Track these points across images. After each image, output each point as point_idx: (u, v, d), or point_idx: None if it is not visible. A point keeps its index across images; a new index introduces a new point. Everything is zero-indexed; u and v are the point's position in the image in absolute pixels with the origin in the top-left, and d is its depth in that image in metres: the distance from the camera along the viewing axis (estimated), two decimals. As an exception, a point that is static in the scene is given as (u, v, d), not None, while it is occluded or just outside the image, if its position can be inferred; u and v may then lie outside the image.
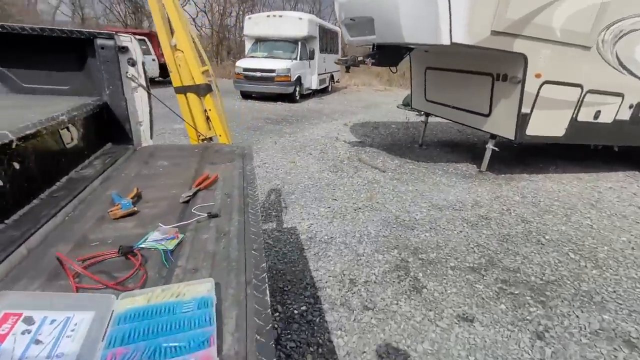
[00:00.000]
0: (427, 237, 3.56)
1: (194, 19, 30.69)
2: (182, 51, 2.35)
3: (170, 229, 1.17)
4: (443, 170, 5.80)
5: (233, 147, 2.26)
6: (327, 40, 15.88)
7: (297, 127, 8.56)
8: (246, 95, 13.21)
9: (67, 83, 2.08)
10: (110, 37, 1.98)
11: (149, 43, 15.23)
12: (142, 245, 1.07)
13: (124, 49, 2.02)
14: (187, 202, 1.45)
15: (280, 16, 13.32)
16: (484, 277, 2.90)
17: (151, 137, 2.31)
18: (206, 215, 1.31)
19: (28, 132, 1.32)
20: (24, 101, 1.82)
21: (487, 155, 5.53)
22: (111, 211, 1.30)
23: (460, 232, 3.70)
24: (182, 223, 1.24)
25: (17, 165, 1.24)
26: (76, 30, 1.93)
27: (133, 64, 2.07)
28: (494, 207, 4.39)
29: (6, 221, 1.17)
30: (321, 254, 3.15)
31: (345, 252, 3.21)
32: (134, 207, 1.33)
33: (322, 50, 14.81)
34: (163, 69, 12.60)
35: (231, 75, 13.14)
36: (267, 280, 0.97)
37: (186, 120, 2.52)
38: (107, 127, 2.10)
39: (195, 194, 1.51)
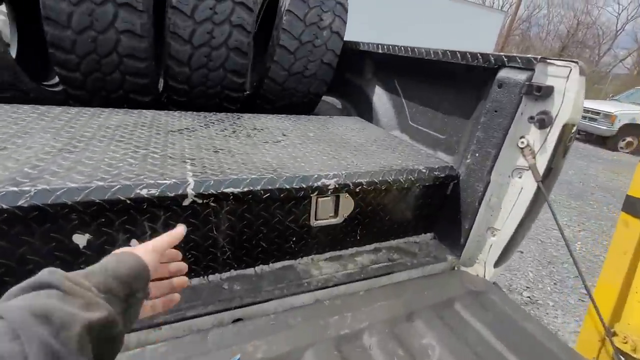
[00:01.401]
0: None
1: None
2: None
3: None
4: None
5: None
6: None
7: None
8: None
9: (445, 132, 1.39)
10: (526, 66, 0.97)
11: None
12: None
13: (544, 91, 0.93)
14: None
15: None
16: None
17: (498, 264, 1.14)
18: None
19: (248, 188, 0.83)
20: (371, 146, 1.38)
21: None
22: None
23: None
24: None
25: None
26: (480, 54, 1.11)
27: (543, 125, 0.95)
28: None
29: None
30: None
31: None
32: None
33: None
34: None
35: None
36: None
37: (601, 281, 0.99)
38: (441, 212, 1.24)
39: None
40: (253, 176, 0.86)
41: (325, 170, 0.97)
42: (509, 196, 1.06)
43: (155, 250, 0.52)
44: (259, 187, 0.85)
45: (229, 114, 1.50)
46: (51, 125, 1.03)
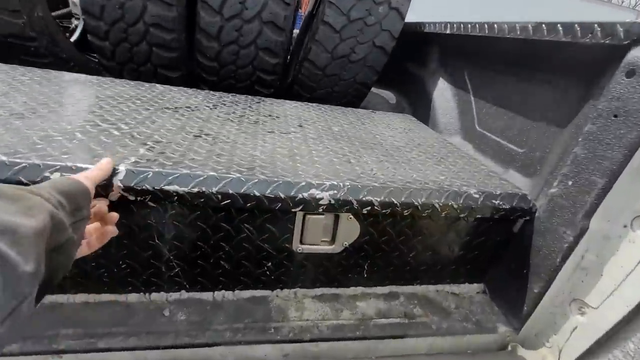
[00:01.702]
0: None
1: None
2: None
3: None
4: None
5: None
6: None
7: None
8: None
9: (525, 143, 0.97)
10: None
11: None
12: None
13: None
14: None
15: None
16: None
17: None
18: None
19: (199, 188, 0.60)
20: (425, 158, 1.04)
21: None
22: None
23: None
24: None
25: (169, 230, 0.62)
26: (597, 24, 0.69)
27: None
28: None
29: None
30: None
31: None
32: None
33: None
34: None
35: None
36: None
37: None
38: (499, 258, 0.85)
39: None
40: (211, 173, 0.62)
41: (323, 178, 0.69)
42: (621, 258, 0.64)
43: (88, 178, 0.50)
44: (214, 190, 0.60)
45: (249, 96, 1.30)
46: (42, 89, 0.94)
